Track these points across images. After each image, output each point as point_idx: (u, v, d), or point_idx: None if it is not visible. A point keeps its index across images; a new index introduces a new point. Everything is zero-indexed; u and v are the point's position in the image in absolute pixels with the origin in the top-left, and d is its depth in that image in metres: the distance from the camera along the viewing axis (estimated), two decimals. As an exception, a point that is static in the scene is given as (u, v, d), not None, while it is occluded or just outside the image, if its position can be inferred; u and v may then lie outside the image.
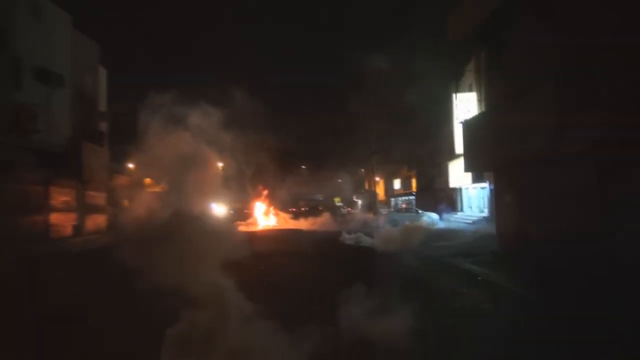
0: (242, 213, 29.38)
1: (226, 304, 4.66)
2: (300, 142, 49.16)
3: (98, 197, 21.62)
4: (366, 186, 58.49)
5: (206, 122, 7.85)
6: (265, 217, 31.07)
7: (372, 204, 46.67)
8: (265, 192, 32.71)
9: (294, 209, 37.94)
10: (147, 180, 8.93)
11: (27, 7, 14.66)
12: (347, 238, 16.45)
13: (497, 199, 13.32)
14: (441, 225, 25.25)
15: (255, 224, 28.62)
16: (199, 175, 7.34)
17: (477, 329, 5.87)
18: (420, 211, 29.23)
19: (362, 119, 36.09)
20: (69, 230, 18.94)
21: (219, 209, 12.93)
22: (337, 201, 53.32)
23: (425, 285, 9.20)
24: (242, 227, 24.19)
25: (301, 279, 9.28)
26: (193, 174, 7.14)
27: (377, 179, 57.21)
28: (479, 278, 9.77)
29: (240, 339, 4.37)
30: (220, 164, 9.14)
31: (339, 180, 51.02)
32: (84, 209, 20.34)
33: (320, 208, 39.15)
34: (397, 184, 55.05)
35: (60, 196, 18.13)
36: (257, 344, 4.37)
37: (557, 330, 5.82)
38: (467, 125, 13.52)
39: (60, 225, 18.30)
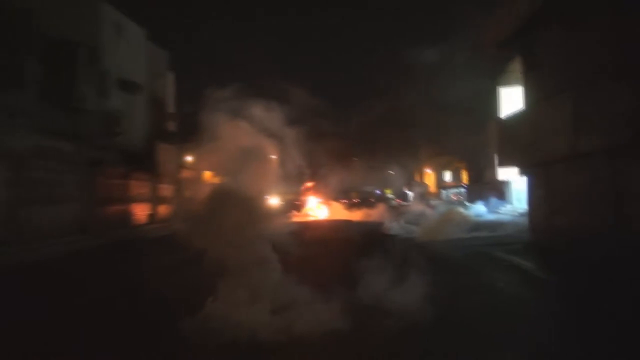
0: (295, 204, 31.23)
1: (269, 270, 5.97)
2: (353, 134, 50.56)
3: (167, 189, 24.17)
4: (417, 178, 59.01)
5: (263, 116, 8.56)
6: (317, 208, 32.82)
7: (423, 196, 47.34)
8: (319, 184, 34.42)
9: (346, 200, 39.35)
10: (207, 174, 10.02)
11: (111, 26, 17.04)
12: (391, 227, 17.81)
13: (529, 194, 14.34)
14: (489, 217, 25.95)
15: (307, 214, 30.45)
16: (254, 168, 8.06)
17: (488, 302, 7.15)
18: (467, 203, 29.99)
19: (413, 111, 37.11)
20: (144, 219, 21.52)
21: (273, 200, 14.54)
22: (389, 193, 54.35)
23: (453, 266, 10.53)
24: (295, 218, 26.03)
25: (334, 259, 10.83)
26: (249, 167, 7.88)
27: (429, 170, 57.69)
28: (505, 264, 10.98)
29: (277, 296, 5.80)
30: (274, 157, 10.30)
31: (391, 172, 52.02)
32: (156, 200, 22.91)
33: (371, 200, 40.28)
34: (447, 175, 55.31)
35: (138, 189, 20.68)
36: (291, 299, 5.87)
37: (563, 306, 6.95)
38: (503, 122, 14.57)
39: (137, 214, 20.88)
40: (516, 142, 13.67)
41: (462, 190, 45.21)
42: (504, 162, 14.59)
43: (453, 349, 4.93)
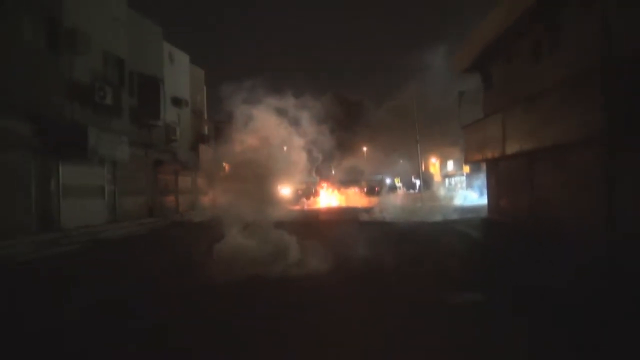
0: (307, 193, 35.71)
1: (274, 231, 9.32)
2: (364, 126, 54.71)
3: (205, 183, 29.17)
4: (423, 167, 63.18)
5: (276, 117, 10.04)
6: (328, 196, 37.39)
7: (429, 184, 51.58)
8: (329, 174, 38.97)
9: (357, 188, 43.57)
10: (227, 168, 11.83)
11: (167, 57, 21.96)
12: (377, 212, 22.29)
13: (486, 182, 19.09)
14: (477, 201, 30.18)
15: (318, 202, 35.03)
16: (269, 163, 9.67)
17: (437, 252, 11.67)
18: (461, 190, 34.57)
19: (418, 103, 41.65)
20: (188, 206, 26.59)
21: (285, 190, 18.07)
22: (397, 181, 58.66)
23: (421, 235, 15.25)
24: (306, 206, 30.67)
25: (324, 231, 15.59)
26: (264, 162, 9.55)
27: (434, 160, 61.91)
28: (460, 234, 15.69)
29: (276, 245, 8.94)
30: (285, 148, 11.00)
31: (401, 161, 56.33)
32: (197, 192, 27.96)
33: (377, 188, 44.33)
34: (450, 165, 59.45)
35: (184, 182, 25.71)
36: (294, 247, 9.14)
37: (479, 252, 11.54)
38: (467, 128, 19.25)
39: (183, 203, 25.94)
40: (473, 144, 18.34)
41: (463, 178, 49.59)
42: (469, 158, 19.28)
43: (413, 264, 9.50)
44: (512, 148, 14.57)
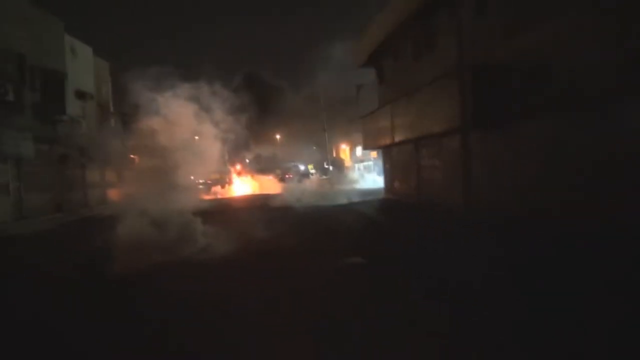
0: (220, 182, 35.77)
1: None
2: (276, 114, 55.81)
3: (114, 175, 28.84)
4: (335, 154, 65.83)
5: (183, 104, 9.79)
6: (241, 184, 38.02)
7: (340, 169, 54.10)
8: (243, 162, 39.49)
9: (270, 175, 44.61)
10: (137, 160, 11.76)
11: (69, 50, 21.59)
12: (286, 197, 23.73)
13: (383, 166, 21.29)
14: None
15: (232, 191, 35.49)
16: (179, 153, 9.47)
17: (338, 228, 13.36)
18: (367, 174, 37.05)
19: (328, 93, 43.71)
20: (98, 200, 26.29)
21: (197, 180, 18.06)
22: (311, 168, 60.65)
23: (325, 215, 16.91)
24: (219, 195, 31.12)
25: (234, 217, 16.90)
26: (173, 153, 9.34)
27: (344, 146, 64.64)
28: (358, 213, 17.57)
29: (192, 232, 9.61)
30: (196, 137, 10.69)
31: (314, 148, 58.20)
32: (106, 185, 27.65)
33: (288, 175, 45.43)
34: (359, 151, 62.45)
35: (92, 177, 25.42)
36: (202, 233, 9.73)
37: (369, 226, 13.39)
38: (364, 119, 21.24)
39: (92, 197, 25.64)
40: (370, 133, 20.37)
41: (371, 163, 52.66)
42: (366, 146, 21.32)
43: (313, 241, 11.07)
44: (399, 136, 16.62)
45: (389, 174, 20.25)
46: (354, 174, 45.96)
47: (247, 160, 47.98)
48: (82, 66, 23.18)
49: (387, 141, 18.13)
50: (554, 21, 8.54)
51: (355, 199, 22.29)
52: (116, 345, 4.48)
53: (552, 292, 5.26)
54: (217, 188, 33.89)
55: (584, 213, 7.85)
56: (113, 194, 28.56)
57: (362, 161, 60.25)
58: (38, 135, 17.59)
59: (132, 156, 15.20)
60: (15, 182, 16.51)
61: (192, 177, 11.88)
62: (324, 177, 52.01)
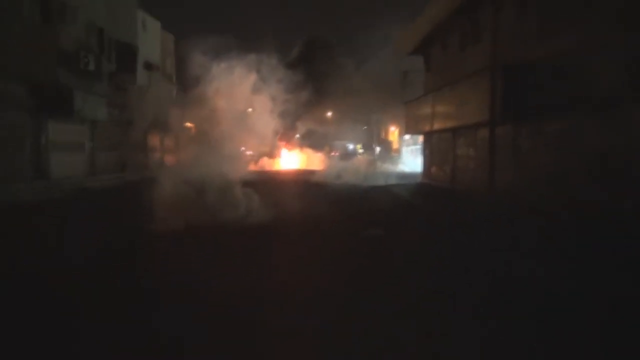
0: (268, 155, 37.23)
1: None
2: (330, 93, 56.78)
3: (172, 141, 31.22)
4: (382, 135, 66.43)
5: (240, 76, 10.11)
6: (289, 159, 39.40)
7: (387, 151, 54.91)
8: (293, 137, 40.68)
9: (319, 152, 45.77)
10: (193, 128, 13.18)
11: (140, 24, 23.58)
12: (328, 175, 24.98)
13: (422, 152, 22.14)
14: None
15: (278, 164, 36.81)
16: (232, 124, 9.97)
17: (376, 208, 14.62)
18: (410, 158, 37.79)
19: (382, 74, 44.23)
20: (157, 164, 28.70)
21: (248, 152, 19.07)
22: (359, 148, 61.67)
23: (364, 196, 18.13)
24: (267, 167, 32.62)
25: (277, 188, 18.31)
26: (226, 123, 9.85)
27: (393, 128, 65.04)
28: (395, 195, 18.67)
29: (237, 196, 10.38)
30: (250, 110, 10.91)
31: (364, 128, 59.10)
32: (165, 151, 30.03)
33: (334, 152, 46.41)
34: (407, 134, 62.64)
35: (153, 142, 27.76)
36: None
37: (406, 209, 14.57)
38: (408, 105, 22.10)
39: (152, 160, 28.02)
40: (412, 118, 21.24)
41: (419, 147, 53.08)
42: (408, 131, 22.22)
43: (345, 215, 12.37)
44: (438, 124, 17.48)
45: (428, 159, 21.13)
46: (399, 157, 46.60)
47: (298, 136, 49.43)
48: (151, 39, 25.20)
49: (427, 128, 19.00)
50: (583, 26, 9.22)
51: (393, 181, 23.32)
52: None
53: (530, 257, 6.31)
54: (265, 160, 35.35)
55: (590, 205, 8.70)
56: (169, 158, 30.94)
57: (409, 145, 60.67)
58: (110, 101, 19.70)
59: (188, 124, 16.63)
60: (90, 142, 18.70)
61: (242, 148, 12.55)
62: (370, 157, 52.82)
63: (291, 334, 3.93)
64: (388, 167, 32.12)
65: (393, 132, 65.12)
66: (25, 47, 13.58)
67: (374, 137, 67.68)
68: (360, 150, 58.67)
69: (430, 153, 20.86)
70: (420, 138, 47.34)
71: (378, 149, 63.29)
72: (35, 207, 11.90)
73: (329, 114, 61.51)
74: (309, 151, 42.61)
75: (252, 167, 27.04)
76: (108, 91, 19.40)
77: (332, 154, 45.66)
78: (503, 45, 12.55)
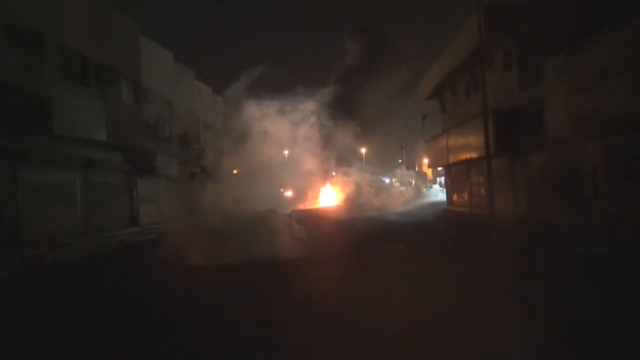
0: (306, 195, 40.39)
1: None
2: (363, 133, 60.25)
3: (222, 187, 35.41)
4: (416, 169, 69.19)
5: (278, 126, 13.36)
6: (326, 196, 42.45)
7: (423, 183, 57.53)
8: (330, 175, 43.86)
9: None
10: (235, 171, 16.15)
11: (197, 91, 28.09)
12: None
13: (445, 182, 25.15)
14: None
15: (316, 203, 39.84)
16: (271, 168, 12.91)
17: (400, 234, 17.78)
18: (432, 187, 40.59)
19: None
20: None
21: (287, 193, 21.95)
22: (395, 181, 64.49)
23: (385, 221, 21.19)
24: (304, 205, 35.72)
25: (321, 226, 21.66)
26: (266, 168, 12.73)
27: (426, 161, 67.71)
28: (419, 219, 21.66)
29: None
30: (286, 153, 13.43)
31: (399, 161, 62.11)
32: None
33: (368, 188, 49.13)
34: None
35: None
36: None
37: (426, 230, 17.65)
38: (427, 143, 25.32)
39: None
40: (432, 153, 24.40)
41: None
42: (430, 165, 25.36)
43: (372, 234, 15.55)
44: (453, 158, 20.57)
45: (450, 188, 24.12)
46: (430, 189, 49.27)
47: (334, 174, 52.68)
48: (205, 103, 29.65)
49: (444, 162, 22.10)
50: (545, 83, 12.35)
51: (419, 210, 26.31)
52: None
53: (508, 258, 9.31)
54: (303, 199, 38.48)
55: (552, 218, 11.60)
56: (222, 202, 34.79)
57: (442, 175, 63.11)
58: (180, 159, 23.89)
59: (234, 171, 18.87)
60: (165, 193, 22.74)
61: (281, 190, 14.56)
62: (404, 190, 55.36)
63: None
64: (420, 198, 34.97)
65: (426, 165, 67.83)
66: (124, 124, 17.77)
67: (409, 171, 70.29)
68: (397, 184, 61.36)
69: (451, 183, 23.86)
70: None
71: (413, 181, 65.82)
72: (139, 246, 15.70)
73: (363, 150, 65.14)
74: (345, 188, 45.64)
75: (299, 206, 30.34)
76: (177, 151, 23.59)
77: (367, 189, 48.37)
78: (493, 94, 15.73)
